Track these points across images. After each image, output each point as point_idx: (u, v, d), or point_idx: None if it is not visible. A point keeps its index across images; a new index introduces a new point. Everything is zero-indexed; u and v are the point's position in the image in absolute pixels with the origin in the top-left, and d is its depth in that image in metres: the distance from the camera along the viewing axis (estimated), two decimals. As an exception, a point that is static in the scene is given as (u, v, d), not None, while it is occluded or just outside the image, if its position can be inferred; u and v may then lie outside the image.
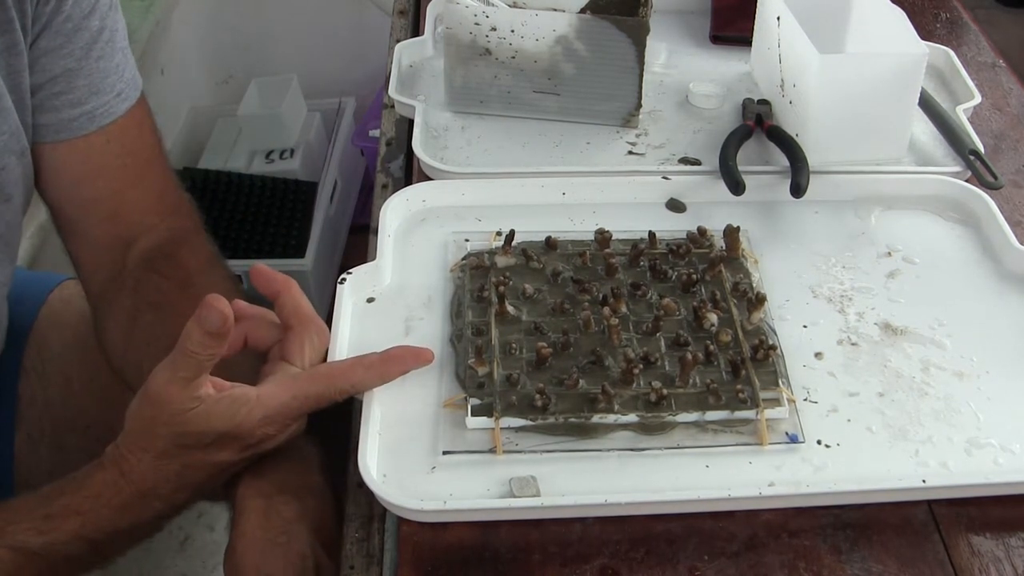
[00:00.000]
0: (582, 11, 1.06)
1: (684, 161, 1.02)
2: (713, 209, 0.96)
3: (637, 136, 1.06)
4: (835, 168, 0.99)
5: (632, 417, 0.76)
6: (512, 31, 1.03)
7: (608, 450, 0.75)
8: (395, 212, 0.94)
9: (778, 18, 1.04)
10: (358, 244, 2.08)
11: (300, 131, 2.17)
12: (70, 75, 0.87)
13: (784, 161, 0.99)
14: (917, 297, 0.88)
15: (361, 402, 0.76)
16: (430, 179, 0.99)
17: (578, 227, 0.94)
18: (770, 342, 0.81)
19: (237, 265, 0.99)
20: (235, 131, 2.18)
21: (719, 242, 0.91)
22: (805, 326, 0.85)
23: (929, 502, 0.72)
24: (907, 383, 0.80)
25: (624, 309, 0.84)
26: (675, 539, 0.70)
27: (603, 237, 0.90)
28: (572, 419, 0.76)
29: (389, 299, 0.87)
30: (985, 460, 0.75)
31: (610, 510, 0.71)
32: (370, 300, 0.87)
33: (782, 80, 1.04)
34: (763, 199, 0.97)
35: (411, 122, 1.06)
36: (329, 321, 0.82)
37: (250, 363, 0.79)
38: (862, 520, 0.71)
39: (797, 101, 1.01)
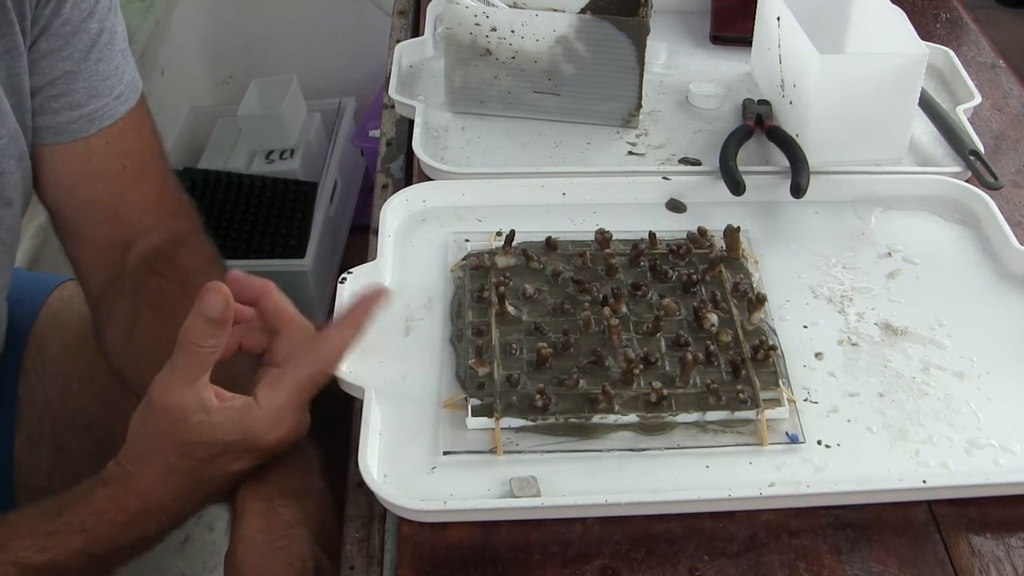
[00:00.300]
0: (582, 11, 1.06)
1: (684, 161, 1.02)
2: (713, 209, 0.96)
3: (637, 136, 1.06)
4: (835, 168, 0.99)
5: (632, 417, 0.76)
6: (512, 31, 1.03)
7: (608, 450, 0.75)
8: (395, 212, 0.94)
9: (778, 18, 1.04)
10: (358, 244, 2.08)
11: (300, 131, 2.17)
12: (69, 78, 0.87)
13: (784, 161, 0.99)
14: (917, 297, 0.88)
15: (361, 402, 0.76)
16: (430, 179, 0.99)
17: (578, 227, 0.94)
18: (770, 342, 0.81)
19: (237, 265, 0.98)
20: (235, 131, 2.18)
21: (719, 242, 0.91)
22: (805, 326, 0.85)
23: (929, 502, 0.72)
24: (907, 383, 0.80)
25: (624, 309, 0.84)
26: (675, 539, 0.70)
27: (603, 237, 0.90)
28: (572, 419, 0.76)
29: (389, 299, 0.87)
30: (985, 460, 0.75)
31: (610, 510, 0.71)
32: (370, 300, 0.87)
33: (782, 80, 1.04)
34: (763, 199, 0.97)
35: (411, 122, 1.06)
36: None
37: (249, 364, 0.79)
38: (862, 520, 0.71)
39: (797, 101, 1.01)
